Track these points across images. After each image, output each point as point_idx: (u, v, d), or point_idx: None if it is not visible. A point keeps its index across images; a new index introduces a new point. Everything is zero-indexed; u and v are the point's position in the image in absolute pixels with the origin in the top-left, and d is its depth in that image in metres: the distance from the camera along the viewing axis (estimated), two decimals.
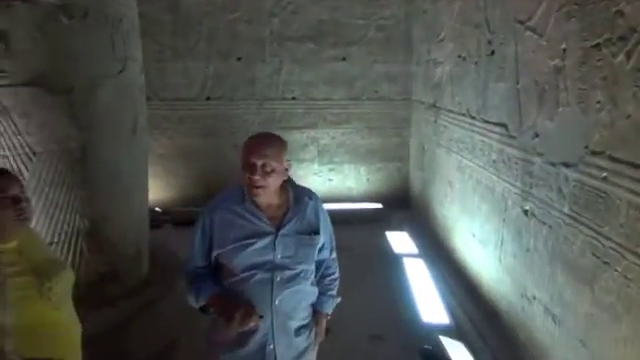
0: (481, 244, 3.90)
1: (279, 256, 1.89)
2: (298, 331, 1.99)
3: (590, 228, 2.39)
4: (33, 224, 2.30)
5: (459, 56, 4.46)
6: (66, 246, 2.75)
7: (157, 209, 6.15)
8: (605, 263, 2.27)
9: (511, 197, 3.33)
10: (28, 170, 2.59)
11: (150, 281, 3.25)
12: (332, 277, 2.17)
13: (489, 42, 3.72)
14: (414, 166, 6.48)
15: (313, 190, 2.12)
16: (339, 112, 6.58)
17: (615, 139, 2.20)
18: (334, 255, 2.18)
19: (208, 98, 6.39)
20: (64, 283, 1.83)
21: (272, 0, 6.23)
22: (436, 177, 5.35)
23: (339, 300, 2.20)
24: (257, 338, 1.90)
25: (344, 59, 6.45)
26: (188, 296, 1.98)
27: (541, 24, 2.87)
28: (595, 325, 2.35)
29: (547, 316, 2.82)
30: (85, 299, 2.31)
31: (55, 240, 2.71)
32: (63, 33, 2.63)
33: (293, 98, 6.50)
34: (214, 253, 1.93)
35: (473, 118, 4.10)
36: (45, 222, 2.67)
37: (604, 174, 2.28)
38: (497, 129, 3.57)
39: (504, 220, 3.45)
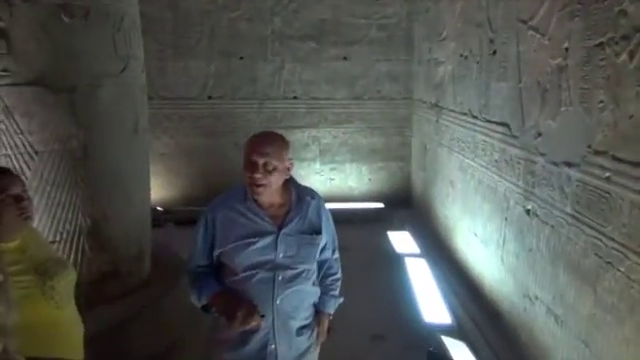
0: (483, 244, 3.90)
1: (281, 255, 1.89)
2: (299, 331, 1.99)
3: (593, 228, 2.39)
4: (35, 223, 2.30)
5: (461, 55, 4.45)
6: (68, 245, 2.75)
7: (159, 208, 6.16)
8: (608, 263, 2.26)
9: (513, 197, 3.32)
10: (30, 169, 2.59)
11: (152, 280, 3.25)
12: (334, 277, 2.17)
13: (491, 41, 3.72)
14: (416, 166, 6.48)
15: (315, 189, 2.12)
16: (341, 111, 6.58)
17: (618, 139, 2.20)
18: (336, 255, 2.18)
19: (209, 97, 6.39)
20: (66, 282, 1.83)
21: None
22: (438, 177, 5.35)
23: (341, 300, 2.19)
24: (258, 338, 1.90)
25: (345, 58, 6.45)
26: (190, 295, 1.98)
27: (544, 23, 2.87)
28: (598, 326, 2.35)
29: (549, 316, 2.81)
30: (87, 298, 2.32)
31: (57, 239, 2.71)
32: (65, 32, 2.62)
33: (295, 97, 6.49)
34: (216, 252, 1.93)
35: (475, 117, 4.09)
36: (47, 221, 2.67)
37: (607, 174, 2.27)
38: (499, 129, 3.57)
39: (506, 220, 3.44)
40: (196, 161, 6.44)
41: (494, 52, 3.67)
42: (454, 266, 4.55)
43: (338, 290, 2.18)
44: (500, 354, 3.25)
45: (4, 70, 2.47)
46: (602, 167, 2.30)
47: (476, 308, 3.82)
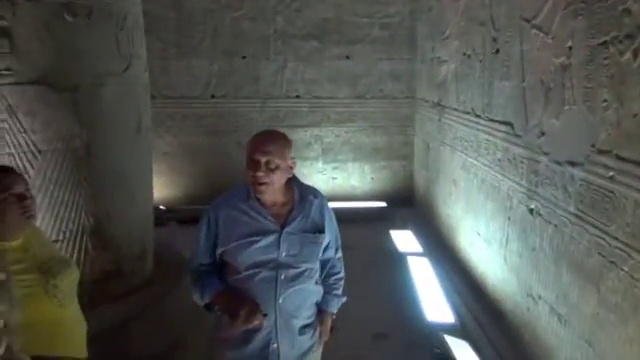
0: (486, 243, 3.89)
1: (283, 254, 1.89)
2: (302, 330, 1.99)
3: (596, 227, 2.38)
4: (38, 222, 2.31)
5: (464, 54, 4.45)
6: (71, 244, 2.76)
7: (161, 207, 6.17)
8: (611, 263, 2.26)
9: (516, 196, 3.31)
10: (33, 168, 2.59)
11: (154, 279, 3.26)
12: (337, 276, 2.17)
13: (494, 40, 3.71)
14: (418, 165, 6.47)
15: (317, 188, 2.12)
16: (343, 110, 6.57)
17: (622, 138, 2.19)
18: (339, 254, 2.18)
19: (212, 96, 6.40)
20: (69, 281, 1.83)
21: None
22: (440, 176, 5.34)
23: (344, 299, 2.19)
24: (261, 336, 1.90)
25: (348, 57, 6.44)
26: (193, 293, 1.98)
27: (547, 22, 2.86)
28: (601, 325, 2.34)
29: (553, 316, 2.80)
30: (90, 297, 2.32)
31: (60, 238, 2.71)
32: (68, 31, 2.63)
33: (297, 96, 6.49)
34: (219, 250, 1.93)
35: (478, 116, 4.08)
36: (50, 220, 2.67)
37: (610, 173, 2.26)
38: (502, 127, 3.56)
39: (509, 219, 3.43)
40: (199, 160, 6.45)
41: (497, 51, 3.66)
42: (457, 265, 4.55)
43: (341, 289, 2.18)
44: (503, 353, 3.24)
45: (7, 69, 2.48)
46: (606, 166, 2.30)
47: (479, 307, 3.81)
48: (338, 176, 6.71)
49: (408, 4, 6.37)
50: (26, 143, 2.56)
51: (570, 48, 2.60)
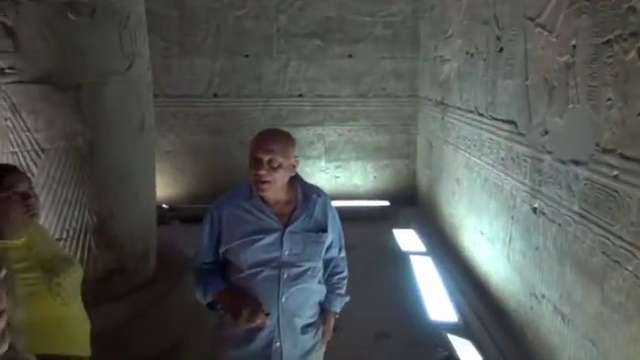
0: (489, 242, 3.88)
1: (286, 253, 1.89)
2: (305, 329, 1.99)
3: (600, 226, 2.37)
4: (42, 220, 2.31)
5: (467, 53, 4.43)
6: (74, 242, 2.76)
7: (164, 206, 6.18)
8: (615, 262, 2.25)
9: (520, 195, 3.30)
10: (37, 166, 2.60)
11: (157, 278, 3.26)
12: (341, 276, 2.16)
13: (498, 38, 3.70)
14: (421, 163, 6.46)
15: (320, 187, 2.12)
16: (346, 109, 6.56)
17: (626, 137, 2.18)
18: (343, 254, 2.17)
19: (215, 95, 6.40)
20: (72, 279, 1.83)
21: None
22: (443, 174, 5.33)
23: (348, 299, 2.19)
24: (263, 335, 1.90)
25: (351, 56, 6.43)
26: (195, 292, 1.98)
27: (551, 20, 2.84)
28: (605, 324, 2.33)
29: (556, 315, 2.80)
30: (94, 295, 2.32)
31: (63, 236, 2.72)
32: (71, 30, 2.63)
33: (300, 95, 6.49)
34: (222, 249, 1.93)
35: (481, 115, 4.07)
36: (53, 218, 2.68)
37: (615, 172, 2.25)
38: (506, 126, 3.55)
39: (512, 218, 3.43)
40: (201, 159, 6.45)
41: (501, 49, 3.65)
42: (460, 264, 4.54)
43: (344, 289, 2.18)
44: (506, 353, 3.24)
45: (11, 68, 2.48)
46: (610, 165, 2.29)
47: (482, 306, 3.81)
48: (341, 175, 6.71)
49: (411, 3, 6.35)
50: (29, 142, 2.57)
51: (574, 46, 2.59)
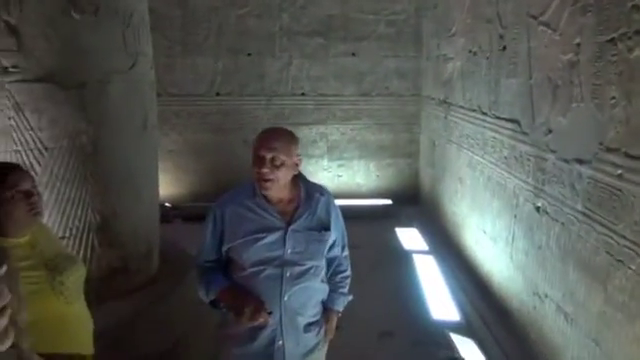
0: (492, 241, 3.87)
1: (289, 251, 1.89)
2: (307, 328, 1.99)
3: (604, 226, 2.36)
4: (45, 219, 2.32)
5: (470, 51, 4.42)
6: (77, 241, 2.77)
7: (167, 204, 6.18)
8: (619, 261, 2.24)
9: (523, 194, 3.30)
10: (40, 165, 2.60)
11: (160, 276, 3.26)
12: (343, 274, 2.16)
13: (501, 37, 3.68)
14: (424, 162, 6.45)
15: (324, 186, 2.12)
16: (349, 108, 6.56)
17: (630, 135, 2.17)
18: (346, 253, 2.17)
19: (217, 94, 6.40)
20: (75, 277, 1.84)
21: None
22: (446, 173, 5.32)
23: (350, 298, 2.19)
24: (266, 334, 1.90)
25: (354, 54, 6.43)
26: (198, 290, 1.98)
27: (555, 18, 2.83)
28: (608, 324, 2.32)
29: (559, 314, 2.79)
30: (97, 294, 2.33)
31: (67, 235, 2.72)
32: (74, 28, 2.63)
33: (302, 94, 6.48)
34: (225, 247, 1.93)
35: (484, 114, 4.06)
36: (57, 217, 2.68)
37: (619, 171, 2.24)
38: (509, 125, 3.54)
39: (515, 217, 3.42)
40: (204, 158, 6.46)
41: (504, 48, 3.64)
42: (463, 263, 4.53)
43: (347, 288, 2.18)
44: (509, 352, 3.23)
45: (14, 67, 2.48)
46: (614, 164, 2.28)
47: (485, 306, 3.80)
48: (343, 174, 6.70)
49: (414, 1, 6.34)
50: (33, 140, 2.57)
51: (578, 45, 2.58)
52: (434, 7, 5.78)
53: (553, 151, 2.88)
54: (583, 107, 2.55)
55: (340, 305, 2.15)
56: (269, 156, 1.82)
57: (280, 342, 1.92)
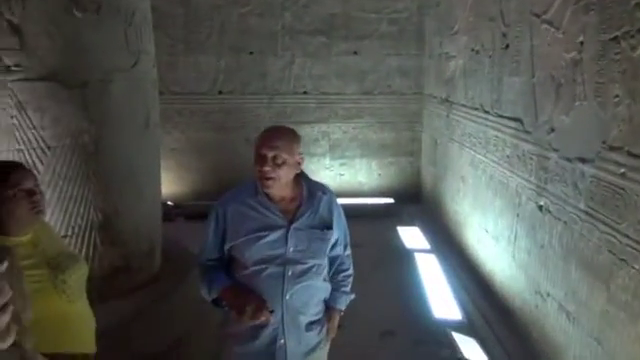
0: (494, 240, 3.87)
1: (291, 250, 1.89)
2: (309, 326, 1.99)
3: (606, 225, 2.36)
4: (47, 217, 2.32)
5: (473, 50, 4.41)
6: (80, 239, 2.77)
7: (169, 203, 6.19)
8: (622, 260, 2.23)
9: (525, 192, 3.29)
10: (42, 164, 2.60)
11: (162, 275, 3.27)
12: (346, 273, 2.16)
13: (504, 35, 3.67)
14: (426, 161, 6.44)
15: (326, 185, 2.11)
16: (351, 106, 6.55)
17: (633, 134, 2.16)
18: (348, 251, 2.17)
19: (220, 92, 6.40)
20: (78, 276, 1.84)
21: None
22: (448, 172, 5.31)
23: (353, 297, 2.18)
24: (268, 332, 1.90)
25: (356, 53, 6.42)
26: (200, 289, 1.98)
27: (558, 17, 2.82)
28: (611, 323, 2.32)
29: (561, 313, 2.79)
30: (99, 292, 2.33)
31: (69, 233, 2.73)
32: (76, 27, 2.63)
33: (304, 92, 6.48)
34: (227, 246, 1.93)
35: (487, 113, 4.06)
36: (59, 215, 2.69)
37: (622, 170, 2.24)
38: (512, 124, 3.53)
39: (518, 215, 3.41)
40: (207, 156, 6.46)
41: (507, 46, 3.63)
42: (464, 262, 4.53)
43: (349, 287, 2.17)
44: (511, 351, 3.23)
45: (17, 65, 2.49)
46: (617, 163, 2.27)
47: (487, 304, 3.80)
48: (345, 172, 6.70)
49: None
50: (35, 139, 2.58)
51: (581, 43, 2.57)
52: (436, 5, 5.76)
53: (556, 150, 2.87)
54: (586, 105, 2.54)
55: (342, 304, 2.15)
56: (271, 154, 1.82)
57: (282, 341, 1.92)
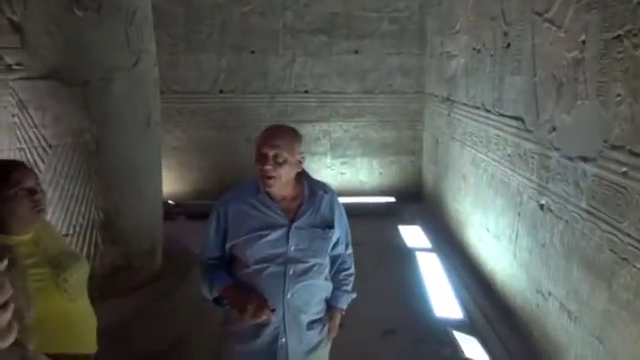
0: (495, 239, 3.87)
1: (292, 249, 1.89)
2: (310, 325, 1.99)
3: (608, 223, 2.35)
4: (49, 216, 2.32)
5: (474, 49, 4.40)
6: (81, 238, 2.77)
7: (170, 202, 6.19)
8: (623, 259, 2.23)
9: (527, 191, 3.28)
10: (44, 162, 2.60)
11: (163, 273, 3.27)
12: (347, 272, 2.16)
13: (505, 34, 3.67)
14: (427, 160, 6.44)
15: (327, 184, 2.11)
16: (352, 105, 6.55)
17: (635, 133, 2.16)
18: (350, 250, 2.17)
19: (221, 91, 6.40)
20: (79, 275, 1.84)
21: None
22: (449, 171, 5.31)
23: (354, 296, 2.19)
24: (269, 331, 1.91)
25: (357, 52, 6.41)
26: (202, 287, 1.98)
27: (560, 15, 2.82)
28: (612, 322, 2.32)
29: (563, 312, 2.78)
30: (100, 291, 2.33)
31: (70, 232, 2.73)
32: (77, 26, 2.63)
33: (306, 91, 6.48)
34: (228, 245, 1.93)
35: (488, 111, 4.05)
36: (60, 214, 2.69)
37: (623, 169, 2.23)
38: (513, 123, 3.52)
39: (519, 214, 3.41)
40: (208, 155, 6.47)
41: (508, 45, 3.62)
42: (466, 261, 4.53)
43: (351, 285, 2.17)
44: (512, 350, 3.23)
45: (18, 64, 2.49)
46: (619, 162, 2.27)
47: (488, 303, 3.80)
48: (346, 171, 6.70)
49: None
50: (37, 138, 2.58)
51: (583, 42, 2.57)
52: (438, 4, 5.76)
53: (557, 149, 2.86)
54: (588, 104, 2.54)
55: (344, 303, 2.15)
56: (272, 153, 1.82)
57: (283, 340, 1.92)
